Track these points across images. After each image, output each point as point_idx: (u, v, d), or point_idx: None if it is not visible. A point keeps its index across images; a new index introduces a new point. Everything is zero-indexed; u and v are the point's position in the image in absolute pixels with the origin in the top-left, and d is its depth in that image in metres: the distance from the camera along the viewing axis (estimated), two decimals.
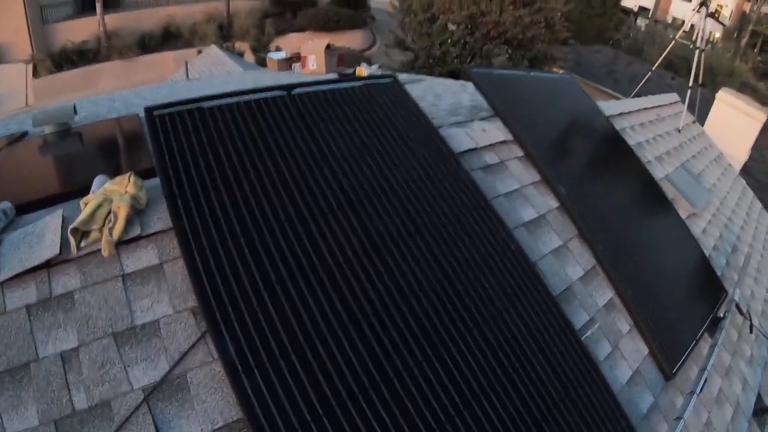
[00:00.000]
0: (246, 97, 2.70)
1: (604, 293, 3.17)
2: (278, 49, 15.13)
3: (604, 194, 3.73)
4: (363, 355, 1.94)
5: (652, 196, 4.19)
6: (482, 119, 3.83)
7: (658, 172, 4.86)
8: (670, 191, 4.72)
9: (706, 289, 3.98)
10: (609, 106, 5.13)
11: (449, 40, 16.67)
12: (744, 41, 40.92)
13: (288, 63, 10.74)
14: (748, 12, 43.61)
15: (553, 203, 3.42)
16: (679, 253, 3.96)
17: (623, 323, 3.13)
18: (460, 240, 2.58)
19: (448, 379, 2.06)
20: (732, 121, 9.42)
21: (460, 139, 3.34)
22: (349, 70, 8.85)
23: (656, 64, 7.49)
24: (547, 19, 17.03)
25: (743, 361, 4.20)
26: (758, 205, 7.35)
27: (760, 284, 5.39)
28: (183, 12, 27.38)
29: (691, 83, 6.77)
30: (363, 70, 8.33)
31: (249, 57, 21.56)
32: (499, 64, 16.09)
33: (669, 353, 3.14)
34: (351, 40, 27.32)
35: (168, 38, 26.24)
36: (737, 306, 4.19)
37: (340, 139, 2.71)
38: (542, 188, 3.47)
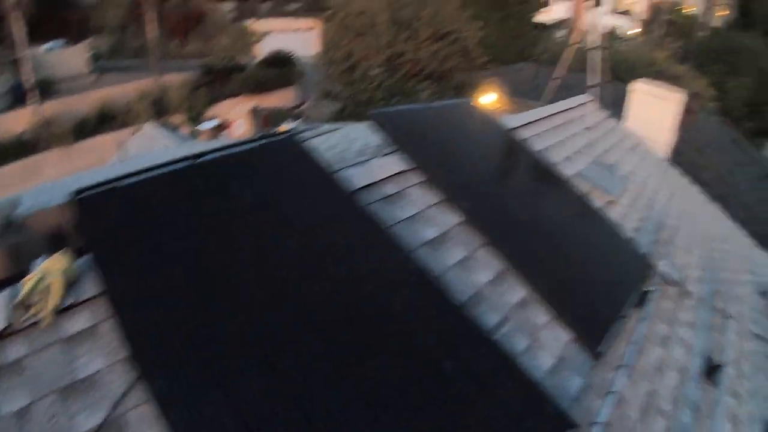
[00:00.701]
0: (158, 171, 2.92)
1: (516, 292, 3.35)
2: (211, 119, 15.53)
3: (511, 201, 3.96)
4: (277, 380, 2.12)
5: (562, 194, 4.44)
6: (384, 155, 4.07)
7: (569, 171, 5.13)
8: (584, 185, 4.99)
9: (631, 268, 4.20)
10: (513, 119, 5.43)
11: (372, 85, 17.16)
12: (659, 31, 42.80)
13: (218, 131, 11.07)
14: (659, 3, 45.74)
15: (456, 220, 3.62)
16: (597, 240, 4.19)
17: (540, 316, 3.30)
18: (361, 267, 2.76)
19: (364, 392, 2.20)
20: (651, 107, 9.88)
21: (357, 177, 3.56)
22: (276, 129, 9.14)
23: (558, 73, 7.90)
24: (464, 48, 17.64)
25: (684, 327, 4.41)
26: (683, 181, 7.72)
27: (692, 253, 5.66)
28: (116, 93, 27.45)
29: (595, 82, 7.18)
30: (286, 128, 8.64)
31: (185, 129, 21.88)
32: (425, 99, 16.62)
33: (593, 335, 3.32)
34: (282, 98, 27.74)
35: (104, 120, 26.22)
36: (665, 277, 4.43)
37: (242, 196, 2.92)
38: (444, 208, 3.68)
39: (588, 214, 4.40)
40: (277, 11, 41.00)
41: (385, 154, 4.12)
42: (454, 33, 17.42)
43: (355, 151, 4.74)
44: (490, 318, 3.10)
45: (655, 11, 45.80)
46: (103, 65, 30.70)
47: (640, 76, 15.26)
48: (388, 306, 2.64)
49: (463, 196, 3.70)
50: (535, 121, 5.79)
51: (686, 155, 14.81)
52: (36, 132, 24.36)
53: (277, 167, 3.23)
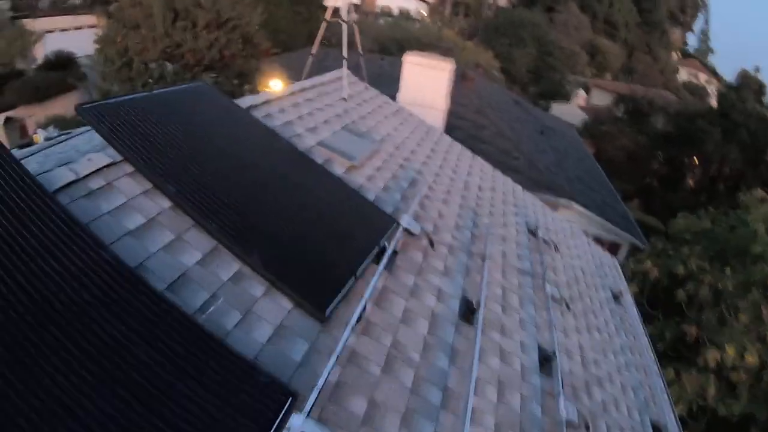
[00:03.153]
0: None
1: (229, 267, 3.16)
2: None
3: (229, 178, 3.73)
4: None
5: (294, 164, 4.28)
6: (100, 151, 3.69)
7: (310, 141, 5.03)
8: (324, 154, 4.90)
9: (368, 226, 4.15)
10: (253, 99, 5.20)
11: (150, 80, 16.11)
12: (448, 11, 45.73)
13: None
14: None
15: (166, 204, 3.37)
16: (327, 205, 4.08)
17: (256, 288, 3.13)
18: (53, 267, 2.50)
19: (60, 394, 2.00)
20: (424, 77, 10.29)
21: (60, 176, 3.19)
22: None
23: (314, 47, 7.84)
24: (245, 35, 17.16)
25: (436, 275, 4.47)
26: (447, 139, 8.01)
27: (451, 204, 5.83)
28: None
29: (345, 54, 7.17)
30: (38, 137, 7.90)
31: None
32: None
33: (318, 298, 3.20)
34: (66, 105, 24.78)
35: None
36: (406, 230, 4.44)
37: None
38: (153, 194, 3.41)
39: (320, 181, 4.29)
40: (59, 7, 36.94)
41: (101, 150, 3.75)
42: (234, 20, 16.79)
43: (84, 151, 4.27)
44: (197, 298, 2.90)
45: None
46: None
47: (430, 52, 15.93)
48: (81, 302, 2.40)
49: (171, 180, 3.42)
50: (282, 97, 5.62)
51: (466, 117, 15.76)
52: None
53: None
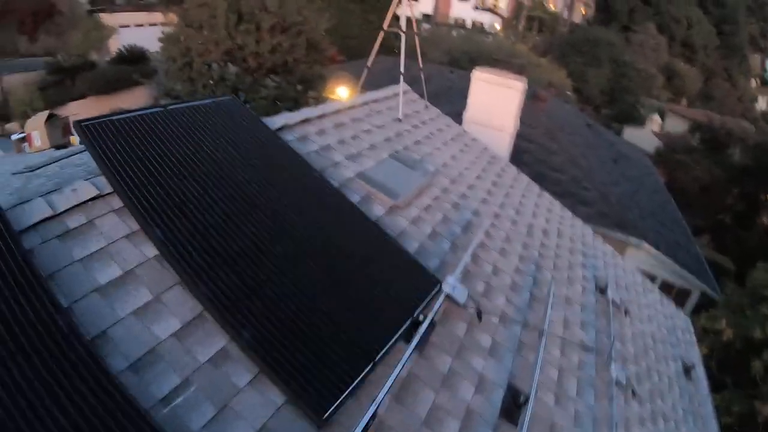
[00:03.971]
0: None
1: (212, 343, 2.49)
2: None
3: (235, 224, 3.02)
4: None
5: (320, 205, 3.54)
6: (90, 178, 3.06)
7: (348, 172, 4.29)
8: (362, 190, 4.14)
9: (402, 292, 3.37)
10: (287, 117, 4.50)
11: (211, 81, 15.83)
12: (522, 26, 44.61)
13: (22, 142, 9.75)
14: (523, 1, 47.71)
15: (151, 252, 2.73)
16: (356, 262, 3.32)
17: (241, 374, 2.45)
18: None
19: None
20: (493, 95, 9.53)
21: (36, 209, 2.64)
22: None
23: (370, 59, 7.14)
24: (310, 40, 16.73)
25: (479, 355, 3.65)
26: (513, 170, 7.12)
27: (509, 255, 4.97)
28: None
29: (402, 69, 6.43)
30: (75, 139, 7.65)
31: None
32: (268, 94, 15.58)
33: (317, 394, 2.45)
34: (135, 98, 24.99)
35: None
36: (450, 297, 3.62)
37: None
38: (139, 238, 2.79)
39: (349, 229, 3.53)
40: (135, 3, 37.79)
41: (93, 177, 3.13)
42: (299, 25, 16.32)
43: (88, 171, 3.69)
44: (164, 382, 2.27)
45: (518, 8, 47.61)
46: None
47: (501, 68, 15.12)
48: (14, 379, 1.94)
49: (161, 222, 2.75)
50: (319, 116, 4.88)
51: (535, 140, 14.73)
52: None
53: None
